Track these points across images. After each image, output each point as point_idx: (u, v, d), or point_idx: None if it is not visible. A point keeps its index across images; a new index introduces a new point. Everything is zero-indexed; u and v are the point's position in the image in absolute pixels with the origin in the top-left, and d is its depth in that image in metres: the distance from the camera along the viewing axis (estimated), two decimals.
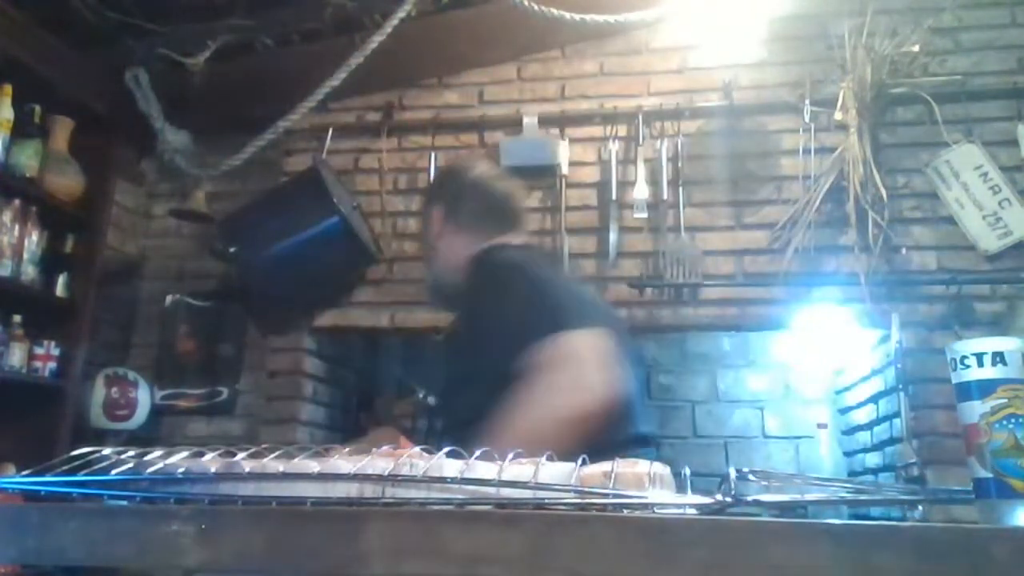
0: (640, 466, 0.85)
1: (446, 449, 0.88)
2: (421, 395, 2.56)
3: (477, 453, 0.84)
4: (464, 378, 1.34)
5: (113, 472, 0.86)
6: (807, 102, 2.55)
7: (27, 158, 2.61)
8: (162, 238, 3.13)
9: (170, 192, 3.14)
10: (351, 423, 3.08)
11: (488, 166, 1.72)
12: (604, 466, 0.84)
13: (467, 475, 0.81)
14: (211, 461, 0.89)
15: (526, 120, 2.72)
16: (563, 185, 2.70)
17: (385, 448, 0.90)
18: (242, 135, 2.73)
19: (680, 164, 2.66)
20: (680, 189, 2.63)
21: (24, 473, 0.91)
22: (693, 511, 0.76)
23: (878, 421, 2.64)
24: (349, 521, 0.75)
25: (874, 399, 2.67)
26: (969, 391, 0.82)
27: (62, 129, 2.77)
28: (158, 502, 0.84)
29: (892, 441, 2.51)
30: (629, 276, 2.59)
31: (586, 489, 0.80)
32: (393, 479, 0.81)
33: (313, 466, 0.84)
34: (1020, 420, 0.78)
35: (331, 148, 2.83)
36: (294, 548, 0.74)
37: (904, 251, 2.45)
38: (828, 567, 0.65)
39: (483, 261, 1.48)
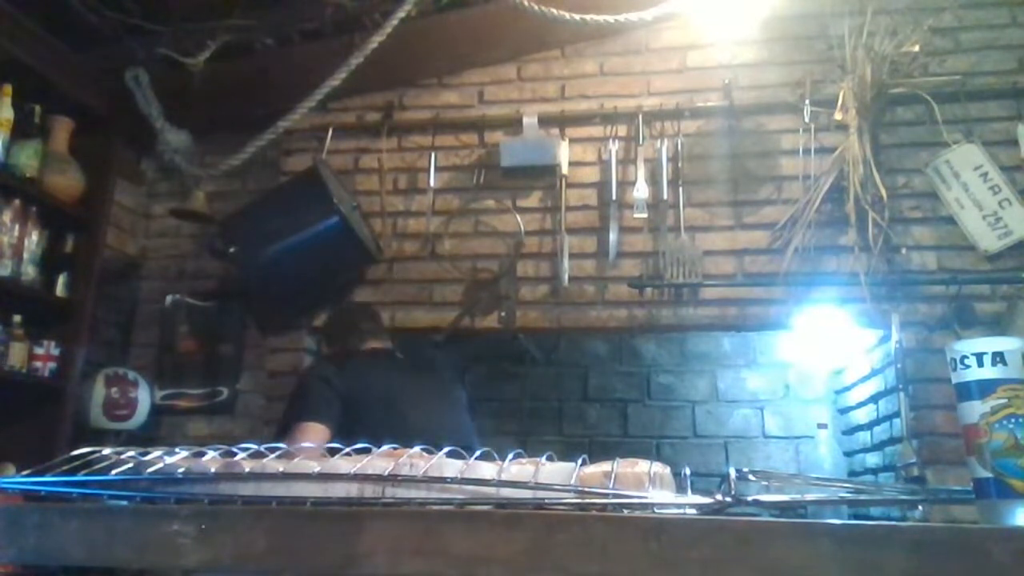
0: (640, 466, 0.85)
1: (446, 449, 0.88)
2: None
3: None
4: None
5: (113, 472, 0.86)
6: (807, 102, 2.55)
7: (27, 158, 2.61)
8: (162, 238, 3.13)
9: (170, 192, 3.14)
10: None
11: (355, 305, 2.65)
12: (604, 466, 0.84)
13: (467, 475, 0.81)
14: (211, 461, 0.89)
15: (526, 120, 2.72)
16: (563, 185, 2.70)
17: (385, 448, 0.90)
18: (242, 135, 2.72)
19: (680, 164, 2.65)
20: (680, 189, 2.63)
21: (24, 473, 0.91)
22: (693, 511, 0.77)
23: (878, 421, 2.64)
24: (349, 521, 0.75)
25: (874, 399, 2.67)
26: (969, 391, 0.82)
27: (62, 129, 2.77)
28: (158, 502, 0.84)
29: (892, 441, 2.51)
30: (629, 276, 2.59)
31: (586, 489, 0.80)
32: (393, 479, 0.81)
33: (313, 466, 0.84)
34: (1020, 420, 0.78)
35: (331, 148, 2.83)
36: (294, 548, 0.74)
37: (904, 251, 2.45)
38: (828, 567, 0.65)
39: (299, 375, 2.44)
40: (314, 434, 2.00)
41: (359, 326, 2.41)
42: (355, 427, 2.03)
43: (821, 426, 2.75)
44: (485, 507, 0.79)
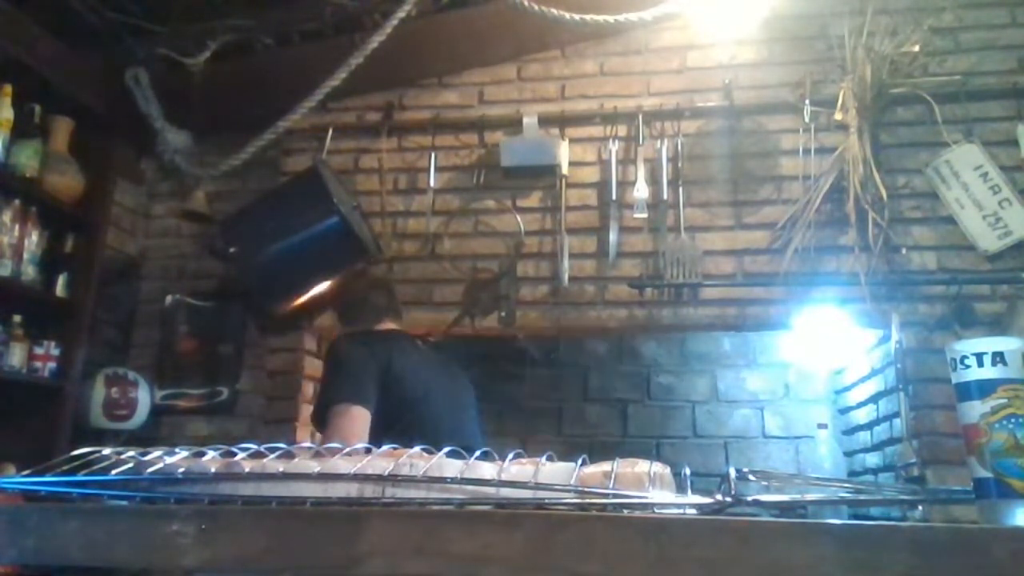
0: (640, 466, 0.85)
1: (446, 449, 0.88)
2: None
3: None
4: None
5: (113, 472, 0.86)
6: (807, 102, 2.55)
7: (27, 158, 2.61)
8: (162, 238, 3.13)
9: (170, 192, 3.14)
10: None
11: (371, 279, 2.56)
12: (604, 466, 0.84)
13: (467, 475, 0.81)
14: (211, 461, 0.89)
15: (526, 120, 2.72)
16: (563, 185, 2.70)
17: (385, 448, 0.90)
18: (242, 135, 2.72)
19: (680, 164, 2.65)
20: (680, 189, 2.63)
21: (24, 473, 0.91)
22: (693, 511, 0.77)
23: (878, 421, 2.64)
24: (349, 521, 0.75)
25: (874, 399, 2.67)
26: (969, 391, 0.82)
27: (62, 129, 2.77)
28: (158, 502, 0.84)
29: (892, 441, 2.51)
30: (629, 276, 2.59)
31: (586, 489, 0.80)
32: (393, 479, 0.81)
33: (313, 466, 0.84)
34: (1020, 420, 0.78)
35: (331, 148, 2.83)
36: (294, 548, 0.74)
37: (904, 251, 2.45)
38: (828, 567, 0.65)
39: (332, 343, 2.28)
40: (359, 420, 1.93)
41: (374, 303, 2.32)
42: (388, 412, 1.98)
43: (821, 426, 2.75)
44: (485, 507, 0.79)
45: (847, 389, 2.98)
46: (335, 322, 2.44)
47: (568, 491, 0.79)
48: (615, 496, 0.78)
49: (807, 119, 2.55)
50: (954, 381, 0.83)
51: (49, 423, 2.61)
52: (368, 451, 0.89)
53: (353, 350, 2.10)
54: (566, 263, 2.60)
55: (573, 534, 0.69)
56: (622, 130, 2.74)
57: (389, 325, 2.30)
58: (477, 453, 0.88)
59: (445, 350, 2.67)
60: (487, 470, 0.83)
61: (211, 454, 0.90)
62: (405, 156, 2.87)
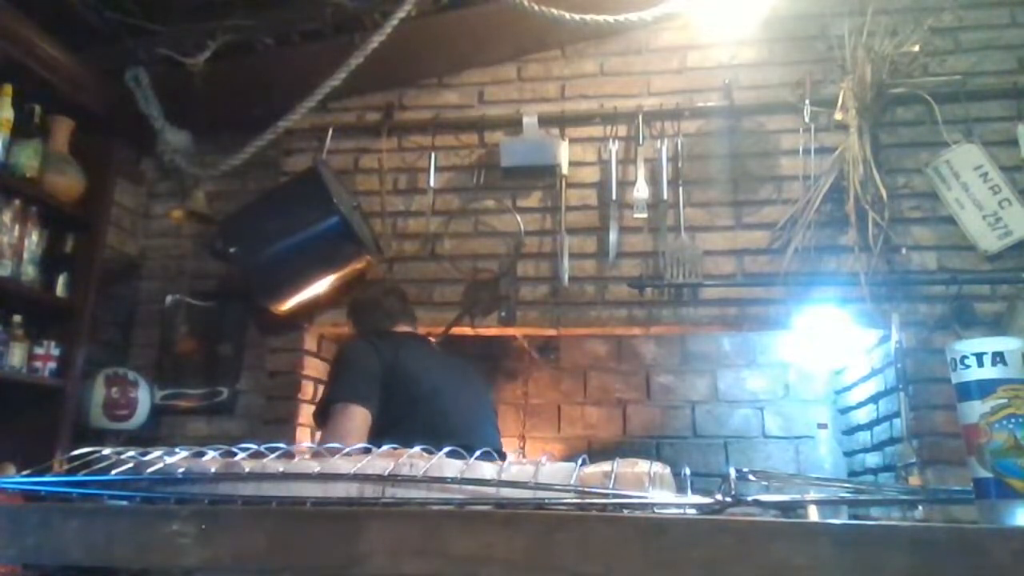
0: (640, 466, 0.85)
1: (446, 449, 0.88)
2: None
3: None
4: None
5: (113, 472, 0.86)
6: (807, 102, 2.55)
7: (27, 158, 2.61)
8: (162, 238, 3.13)
9: (170, 192, 3.14)
10: None
11: (385, 285, 2.57)
12: (604, 466, 0.84)
13: (467, 475, 0.81)
14: (211, 461, 0.89)
15: (526, 120, 2.72)
16: (563, 185, 2.70)
17: (386, 448, 0.90)
18: (242, 135, 2.72)
19: (680, 164, 2.65)
20: (680, 189, 2.63)
21: (24, 473, 0.91)
22: (693, 511, 0.77)
23: (878, 421, 2.64)
24: (349, 521, 0.75)
25: (874, 399, 2.67)
26: (969, 391, 0.82)
27: (62, 129, 2.77)
28: (158, 502, 0.84)
29: (892, 441, 2.51)
30: (629, 276, 2.59)
31: (586, 489, 0.80)
32: (393, 479, 0.81)
33: (313, 466, 0.84)
34: (1020, 420, 0.78)
35: (331, 148, 2.83)
36: (294, 548, 0.74)
37: (904, 251, 2.45)
38: (828, 567, 0.65)
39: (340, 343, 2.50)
40: (357, 418, 1.95)
41: (388, 308, 2.35)
42: (394, 410, 2.00)
43: (821, 426, 2.75)
44: (485, 507, 0.79)
45: (847, 389, 2.98)
46: (349, 326, 2.45)
47: (568, 491, 0.79)
48: (615, 496, 0.78)
49: (807, 119, 2.55)
50: (954, 381, 0.83)
51: (49, 423, 2.61)
52: (367, 451, 0.89)
53: (358, 350, 2.13)
54: (566, 263, 2.60)
55: (573, 534, 0.69)
56: (622, 130, 2.73)
57: (403, 328, 2.32)
58: (477, 453, 0.88)
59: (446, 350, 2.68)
60: (487, 470, 0.83)
61: (211, 454, 0.90)
62: (405, 156, 2.87)
